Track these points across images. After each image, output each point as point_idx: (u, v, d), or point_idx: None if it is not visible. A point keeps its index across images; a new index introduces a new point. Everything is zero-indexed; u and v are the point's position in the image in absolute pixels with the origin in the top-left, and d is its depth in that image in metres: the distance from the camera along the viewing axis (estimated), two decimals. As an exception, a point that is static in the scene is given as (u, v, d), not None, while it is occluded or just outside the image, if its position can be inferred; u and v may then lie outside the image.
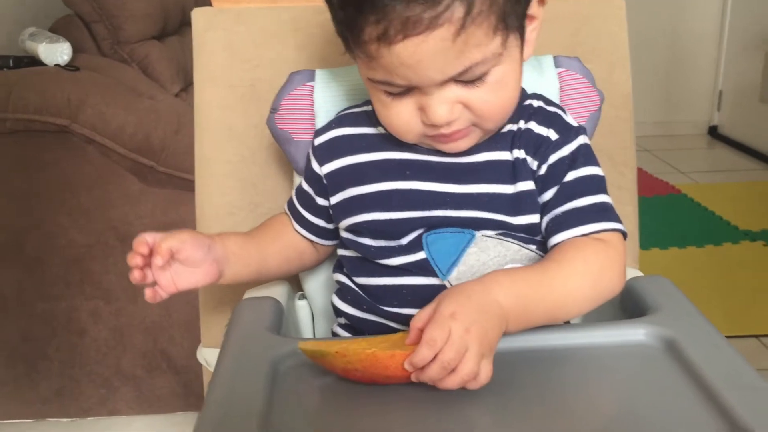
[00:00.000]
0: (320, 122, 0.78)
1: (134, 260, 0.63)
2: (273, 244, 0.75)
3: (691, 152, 3.25)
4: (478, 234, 0.65)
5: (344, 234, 0.71)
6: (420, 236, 0.65)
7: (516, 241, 0.65)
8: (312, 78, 0.79)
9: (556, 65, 0.78)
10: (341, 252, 0.73)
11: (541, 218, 0.66)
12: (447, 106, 0.59)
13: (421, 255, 0.65)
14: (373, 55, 0.57)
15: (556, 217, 0.64)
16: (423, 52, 0.55)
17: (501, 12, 0.56)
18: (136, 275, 0.64)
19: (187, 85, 1.81)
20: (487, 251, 0.64)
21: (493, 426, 0.50)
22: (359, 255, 0.70)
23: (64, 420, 1.45)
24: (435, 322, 0.52)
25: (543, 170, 0.65)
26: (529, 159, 0.66)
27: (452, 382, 0.50)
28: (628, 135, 0.91)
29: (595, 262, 0.61)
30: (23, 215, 1.34)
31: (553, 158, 0.65)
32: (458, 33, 0.54)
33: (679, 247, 2.16)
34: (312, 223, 0.76)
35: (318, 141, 0.74)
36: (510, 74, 0.61)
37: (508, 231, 0.65)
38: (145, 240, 0.63)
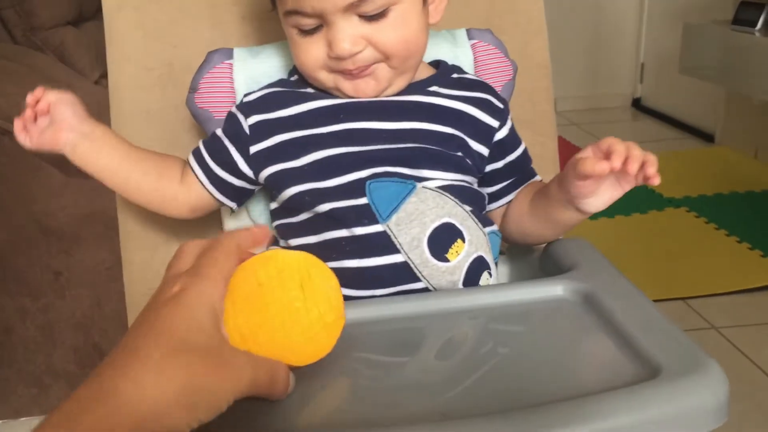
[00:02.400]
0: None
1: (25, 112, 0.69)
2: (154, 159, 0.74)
3: (617, 124, 3.35)
4: (419, 185, 0.67)
5: (293, 189, 0.69)
6: (363, 181, 0.67)
7: (453, 198, 0.68)
8: (230, 56, 0.78)
9: (470, 37, 0.80)
10: (278, 222, 0.73)
11: (506, 174, 0.75)
12: (350, 38, 0.64)
13: (363, 200, 0.66)
14: None
15: (524, 174, 0.76)
16: None
17: None
18: (18, 125, 0.70)
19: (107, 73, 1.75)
20: (426, 202, 0.67)
21: (423, 386, 0.50)
22: (298, 220, 0.70)
23: (-5, 422, 1.40)
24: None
25: (505, 132, 0.75)
26: (485, 116, 0.73)
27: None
28: (548, 105, 0.93)
29: None
30: (-62, 213, 1.28)
31: (508, 123, 0.75)
32: None
33: (608, 216, 2.23)
34: (213, 171, 0.73)
35: (247, 99, 0.74)
36: (411, 15, 0.67)
37: (445, 168, 0.69)
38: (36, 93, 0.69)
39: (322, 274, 0.48)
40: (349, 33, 0.64)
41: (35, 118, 0.70)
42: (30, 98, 0.69)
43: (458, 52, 0.79)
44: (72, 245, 1.31)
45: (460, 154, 0.71)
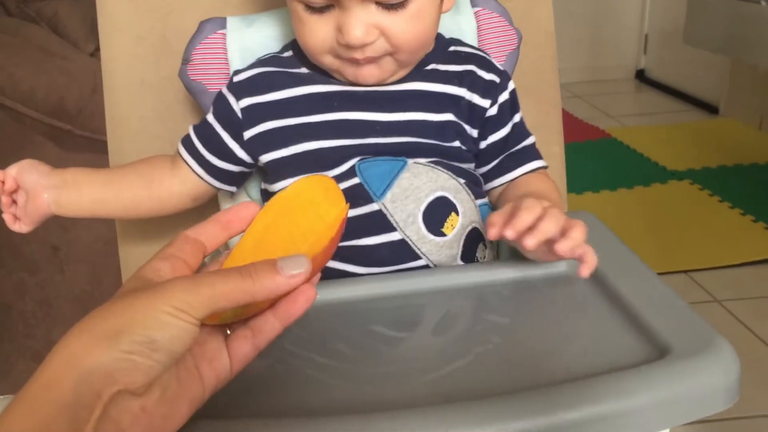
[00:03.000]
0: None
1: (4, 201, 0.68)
2: (133, 170, 0.72)
3: (620, 96, 3.32)
4: (411, 161, 0.66)
5: (288, 181, 0.67)
6: (353, 166, 0.65)
7: (446, 171, 0.66)
8: (223, 26, 0.76)
9: (473, 4, 0.77)
10: None
11: (492, 153, 0.70)
12: (364, 27, 0.60)
13: (354, 181, 0.65)
14: None
15: (513, 153, 0.70)
16: None
17: None
18: (8, 218, 0.69)
19: (104, 45, 1.72)
20: (420, 176, 0.65)
21: (423, 365, 0.49)
22: None
23: (-3, 397, 1.40)
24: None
25: (494, 110, 0.69)
26: (476, 97, 0.68)
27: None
28: (552, 74, 0.91)
29: (555, 189, 0.71)
30: (-68, 188, 1.27)
31: (501, 99, 0.70)
32: None
33: (611, 189, 2.21)
34: (208, 161, 0.71)
35: (237, 78, 0.71)
36: (430, 7, 0.63)
37: (439, 158, 0.67)
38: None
39: (311, 186, 0.49)
40: (364, 21, 0.60)
41: (13, 201, 0.68)
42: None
43: (461, 20, 0.76)
44: (69, 220, 1.29)
45: (456, 143, 0.68)
